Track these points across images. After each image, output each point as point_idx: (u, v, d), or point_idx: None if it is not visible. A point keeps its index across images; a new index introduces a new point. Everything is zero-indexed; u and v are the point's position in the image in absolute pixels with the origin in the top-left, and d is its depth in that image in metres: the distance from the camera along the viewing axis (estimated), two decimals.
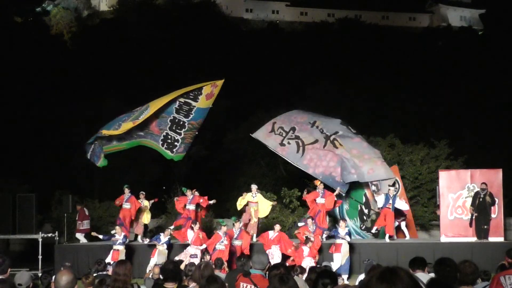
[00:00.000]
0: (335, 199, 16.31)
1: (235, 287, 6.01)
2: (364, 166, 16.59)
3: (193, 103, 18.18)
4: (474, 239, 15.74)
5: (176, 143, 18.14)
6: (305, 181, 20.32)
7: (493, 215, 15.79)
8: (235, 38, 57.77)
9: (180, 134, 18.22)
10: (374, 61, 50.31)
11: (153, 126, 18.09)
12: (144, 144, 18.51)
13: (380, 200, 16.52)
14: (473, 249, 14.81)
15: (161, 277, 6.62)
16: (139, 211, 17.46)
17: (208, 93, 18.19)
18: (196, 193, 16.82)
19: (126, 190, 17.05)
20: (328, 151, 17.03)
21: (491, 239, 15.51)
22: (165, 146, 18.13)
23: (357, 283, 9.08)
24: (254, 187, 16.76)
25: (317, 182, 16.48)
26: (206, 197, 16.87)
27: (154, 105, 17.47)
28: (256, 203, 16.41)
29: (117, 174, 28.44)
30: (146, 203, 17.61)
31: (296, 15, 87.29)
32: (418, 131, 32.36)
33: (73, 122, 32.86)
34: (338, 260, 14.19)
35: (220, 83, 18.22)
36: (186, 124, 18.18)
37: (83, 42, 55.13)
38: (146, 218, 17.81)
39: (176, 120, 18.15)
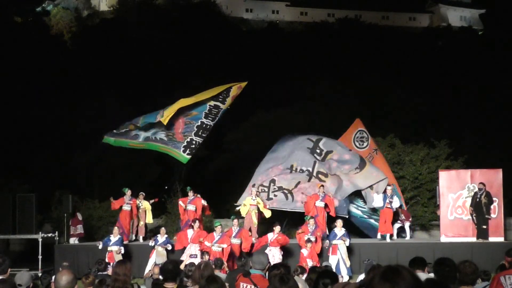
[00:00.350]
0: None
1: (235, 287, 6.00)
2: (343, 181, 17.24)
3: (221, 106, 18.36)
4: (474, 239, 15.75)
5: (197, 146, 18.32)
6: None
7: (492, 215, 15.79)
8: (235, 38, 57.70)
9: (203, 137, 18.35)
10: (374, 61, 50.25)
11: (178, 133, 18.15)
12: (161, 151, 18.54)
13: (378, 200, 16.52)
14: (473, 249, 14.82)
15: (160, 277, 6.61)
16: (139, 212, 17.47)
17: (234, 94, 18.37)
18: (202, 200, 16.83)
19: (128, 192, 17.03)
20: (314, 185, 17.22)
21: (491, 239, 15.51)
22: (187, 151, 18.13)
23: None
24: (254, 189, 16.71)
25: (318, 185, 16.47)
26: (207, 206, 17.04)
27: (184, 101, 17.66)
28: (256, 205, 16.35)
29: (117, 174, 28.45)
30: (145, 204, 17.60)
31: (296, 15, 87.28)
32: (418, 131, 32.32)
33: (73, 122, 32.86)
34: (334, 262, 14.09)
35: (244, 84, 18.45)
36: (211, 127, 18.35)
37: (83, 42, 55.09)
38: (148, 218, 17.80)
39: (204, 125, 18.24)
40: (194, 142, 18.16)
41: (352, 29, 64.78)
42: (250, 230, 15.92)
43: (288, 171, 17.87)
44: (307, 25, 74.64)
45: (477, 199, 15.65)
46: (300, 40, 59.58)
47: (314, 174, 17.60)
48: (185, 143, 18.10)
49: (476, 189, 15.82)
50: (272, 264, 9.14)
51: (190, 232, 14.69)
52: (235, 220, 15.06)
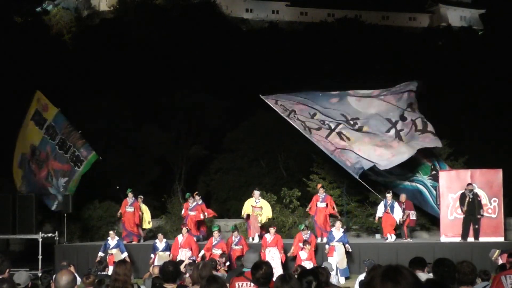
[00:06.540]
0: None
1: None
2: (385, 153, 16.32)
3: None
4: (474, 239, 15.75)
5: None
6: (304, 180, 20.41)
7: (492, 215, 15.79)
8: (235, 38, 57.70)
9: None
10: (374, 61, 50.22)
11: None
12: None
13: (380, 208, 16.52)
14: (473, 249, 14.82)
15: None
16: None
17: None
18: (200, 201, 16.93)
19: (130, 195, 17.07)
20: (331, 141, 16.70)
21: (492, 239, 15.51)
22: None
23: (357, 283, 9.08)
24: (257, 192, 16.70)
25: (319, 186, 16.53)
26: (210, 210, 17.11)
27: None
28: (260, 208, 16.40)
29: (117, 174, 28.40)
30: (143, 208, 17.65)
31: (296, 15, 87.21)
32: None
33: (73, 122, 32.74)
34: (332, 263, 14.09)
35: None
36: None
37: (83, 42, 55.05)
38: (145, 224, 17.80)
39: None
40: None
41: (352, 29, 64.75)
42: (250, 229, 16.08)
43: (310, 116, 17.66)
44: (307, 25, 74.59)
45: (470, 199, 15.62)
46: (300, 40, 59.55)
47: (336, 131, 17.06)
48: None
49: (464, 191, 15.78)
50: (272, 266, 9.16)
51: (179, 238, 14.86)
52: (235, 232, 15.06)
